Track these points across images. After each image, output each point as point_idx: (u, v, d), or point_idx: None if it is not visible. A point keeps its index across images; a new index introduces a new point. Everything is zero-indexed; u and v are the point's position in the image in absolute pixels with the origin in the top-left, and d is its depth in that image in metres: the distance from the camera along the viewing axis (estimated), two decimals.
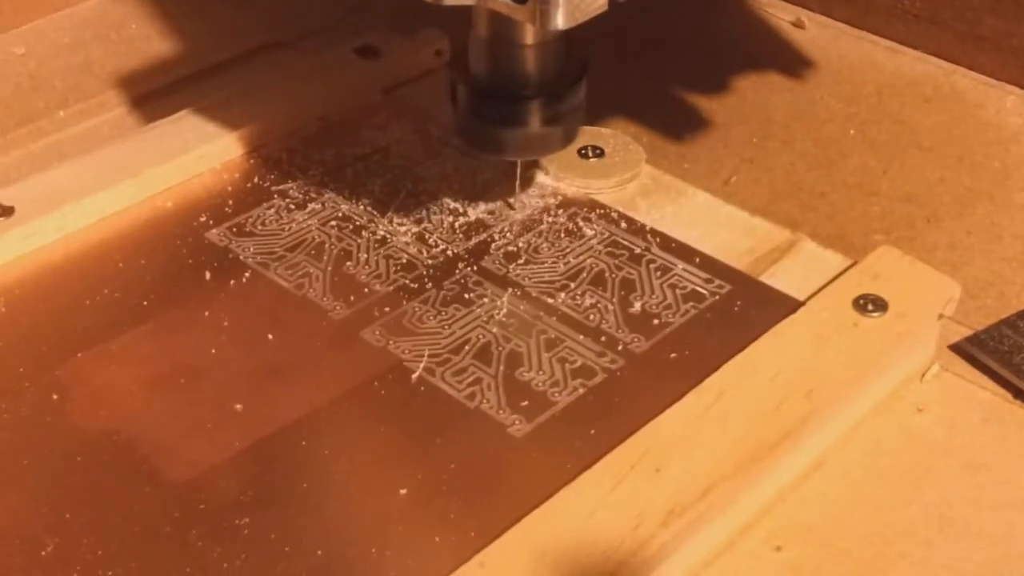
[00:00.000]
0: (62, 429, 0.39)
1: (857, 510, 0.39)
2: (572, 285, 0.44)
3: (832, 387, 0.39)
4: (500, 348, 0.42)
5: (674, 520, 0.35)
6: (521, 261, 0.45)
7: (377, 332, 0.42)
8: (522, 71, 0.44)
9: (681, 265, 0.45)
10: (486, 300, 0.44)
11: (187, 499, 0.37)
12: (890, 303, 0.42)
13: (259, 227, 0.47)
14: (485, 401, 0.40)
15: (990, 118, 0.56)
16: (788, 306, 0.43)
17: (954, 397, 0.43)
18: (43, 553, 0.36)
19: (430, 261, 0.45)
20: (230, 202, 0.48)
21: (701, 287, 0.44)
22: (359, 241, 0.46)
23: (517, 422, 0.39)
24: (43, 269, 0.45)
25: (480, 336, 0.42)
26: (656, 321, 0.43)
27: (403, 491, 0.37)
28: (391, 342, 0.42)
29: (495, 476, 0.38)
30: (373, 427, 0.40)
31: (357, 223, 0.47)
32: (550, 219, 0.47)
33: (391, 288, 0.44)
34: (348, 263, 0.45)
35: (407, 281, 0.45)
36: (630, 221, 0.47)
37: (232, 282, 0.45)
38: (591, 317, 0.43)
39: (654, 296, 0.44)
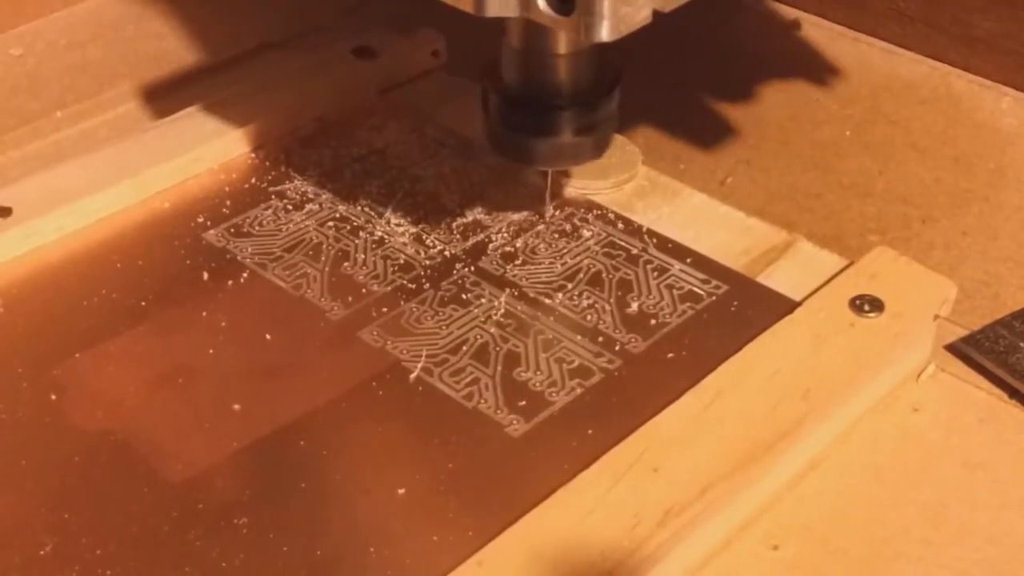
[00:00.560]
0: (60, 429, 0.39)
1: (854, 509, 0.39)
2: (569, 285, 0.44)
3: (829, 387, 0.39)
4: (498, 348, 0.42)
5: (672, 519, 0.35)
6: (518, 262, 0.45)
7: (375, 332, 0.43)
8: (554, 81, 0.43)
9: (678, 266, 0.45)
10: (484, 300, 0.44)
11: (185, 499, 0.37)
12: (886, 303, 0.42)
13: (257, 228, 0.47)
14: (483, 401, 0.40)
15: (985, 120, 0.57)
16: (785, 306, 0.43)
17: (950, 397, 0.43)
18: (42, 553, 0.36)
19: (428, 261, 0.46)
20: (228, 203, 0.48)
21: (698, 287, 0.44)
22: (357, 242, 0.46)
23: (515, 422, 0.39)
24: (41, 269, 0.45)
25: (478, 336, 0.42)
26: (653, 321, 0.43)
27: (401, 491, 0.37)
28: (389, 342, 0.42)
29: (493, 476, 0.38)
30: (371, 427, 0.40)
31: (354, 224, 0.47)
32: (547, 220, 0.47)
33: (389, 288, 0.44)
34: (346, 264, 0.45)
35: (405, 281, 0.45)
36: (627, 222, 0.47)
37: (230, 282, 0.45)
38: (588, 317, 0.43)
39: (651, 296, 0.44)
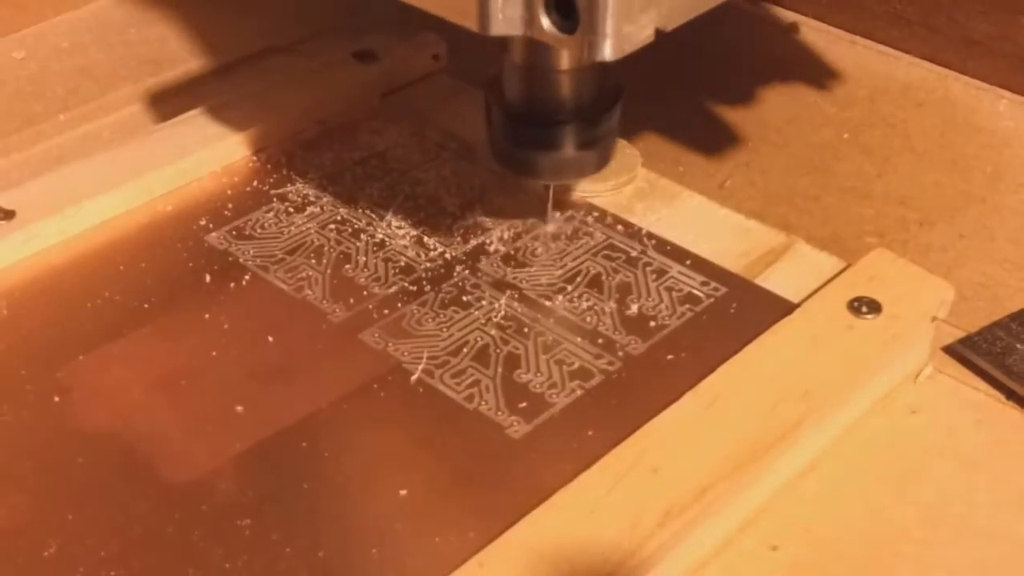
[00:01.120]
0: (64, 431, 0.40)
1: (852, 510, 0.39)
2: (569, 288, 0.45)
3: (827, 388, 0.40)
4: (498, 350, 0.42)
5: (671, 520, 0.36)
6: (519, 264, 0.46)
7: (376, 334, 0.43)
8: (557, 96, 0.44)
9: (677, 268, 0.45)
10: (484, 303, 0.44)
11: (188, 500, 0.37)
12: (884, 305, 0.42)
13: (259, 230, 0.47)
14: (484, 403, 0.40)
15: (983, 122, 0.57)
16: (783, 308, 0.43)
17: (948, 398, 0.43)
18: (46, 554, 0.36)
19: (428, 264, 0.46)
20: (230, 205, 0.48)
21: (697, 290, 0.44)
22: (358, 244, 0.47)
23: (515, 423, 0.40)
24: (44, 272, 0.46)
25: (478, 338, 0.43)
26: (653, 323, 0.43)
27: (403, 492, 0.38)
28: (390, 344, 0.42)
29: (494, 477, 0.38)
30: (373, 429, 0.40)
31: (356, 226, 0.48)
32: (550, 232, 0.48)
33: (390, 291, 0.45)
34: (347, 266, 0.46)
35: (406, 284, 0.45)
36: (626, 224, 0.48)
37: (232, 285, 0.45)
38: (588, 319, 0.43)
39: (650, 299, 0.44)
